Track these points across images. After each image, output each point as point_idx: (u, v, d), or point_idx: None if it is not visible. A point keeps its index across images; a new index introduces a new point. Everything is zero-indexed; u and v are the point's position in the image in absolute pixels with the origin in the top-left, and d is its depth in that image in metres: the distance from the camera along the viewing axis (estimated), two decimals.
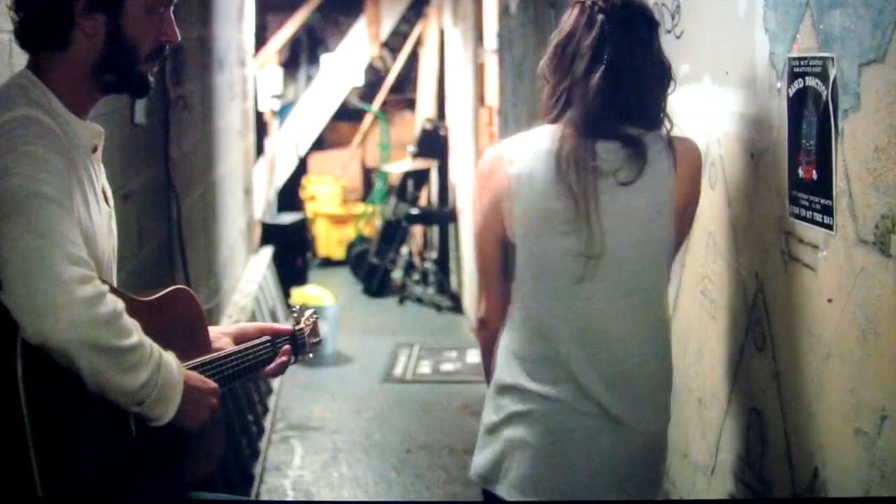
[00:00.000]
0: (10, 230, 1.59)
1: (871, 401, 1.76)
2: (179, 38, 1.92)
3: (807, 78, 1.94)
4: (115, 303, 1.65)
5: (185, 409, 1.77)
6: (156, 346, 1.73)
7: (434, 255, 8.89)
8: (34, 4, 1.77)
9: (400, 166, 9.12)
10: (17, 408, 1.60)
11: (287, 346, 2.24)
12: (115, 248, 1.97)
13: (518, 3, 5.26)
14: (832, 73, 1.84)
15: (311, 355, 2.35)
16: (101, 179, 1.95)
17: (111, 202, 1.99)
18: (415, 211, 8.86)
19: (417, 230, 9.50)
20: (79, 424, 1.70)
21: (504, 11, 5.74)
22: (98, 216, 1.83)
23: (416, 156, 8.96)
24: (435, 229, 9.09)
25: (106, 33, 1.79)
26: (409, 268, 8.94)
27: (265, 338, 2.20)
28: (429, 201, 9.53)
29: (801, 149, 1.98)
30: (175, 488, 1.94)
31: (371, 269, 8.92)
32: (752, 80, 2.23)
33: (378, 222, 9.77)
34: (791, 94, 2.02)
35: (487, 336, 2.33)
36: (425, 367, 6.78)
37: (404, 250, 9.10)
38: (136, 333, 1.68)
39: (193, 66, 5.08)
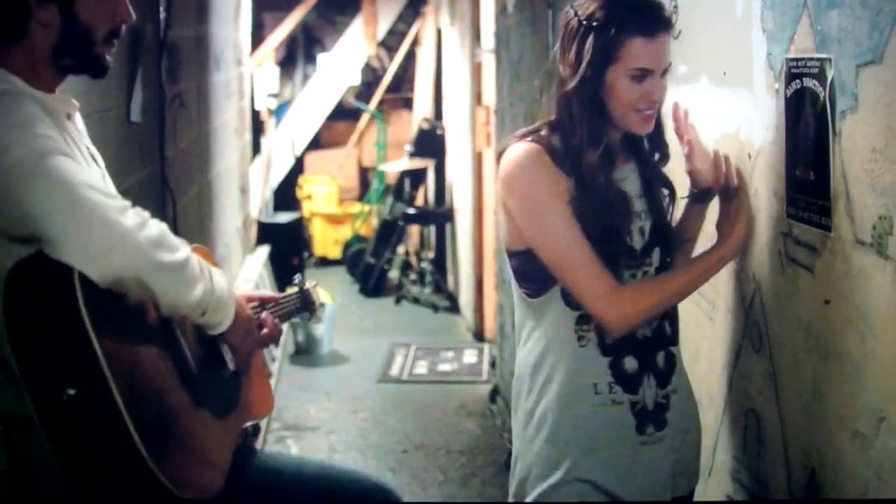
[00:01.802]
0: (39, 194, 1.64)
1: (868, 403, 1.75)
2: (134, 17, 1.94)
3: (804, 79, 1.94)
4: (159, 223, 1.75)
5: (238, 323, 1.94)
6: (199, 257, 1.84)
7: (431, 254, 8.88)
8: None
9: (397, 166, 9.11)
10: (91, 351, 1.65)
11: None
12: None
13: (515, 3, 5.25)
14: (830, 74, 1.84)
15: (319, 318, 2.52)
16: (85, 141, 2.01)
17: (101, 163, 2.05)
18: (411, 210, 8.85)
19: (414, 230, 9.49)
20: (147, 362, 1.79)
21: (501, 11, 5.73)
22: (91, 175, 1.86)
23: (412, 155, 8.95)
24: (432, 229, 9.08)
25: (61, 21, 1.83)
26: (406, 267, 8.93)
27: (291, 291, 2.39)
28: (426, 201, 9.53)
29: (798, 150, 1.98)
30: (235, 424, 2.06)
31: (367, 268, 8.91)
32: (749, 81, 2.23)
33: (375, 222, 9.76)
34: (788, 95, 2.01)
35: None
36: (422, 368, 6.77)
37: (401, 250, 9.10)
38: (184, 247, 1.79)
39: (189, 64, 5.07)
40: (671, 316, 2.23)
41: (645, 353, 2.19)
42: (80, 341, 1.65)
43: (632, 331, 2.15)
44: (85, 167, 1.85)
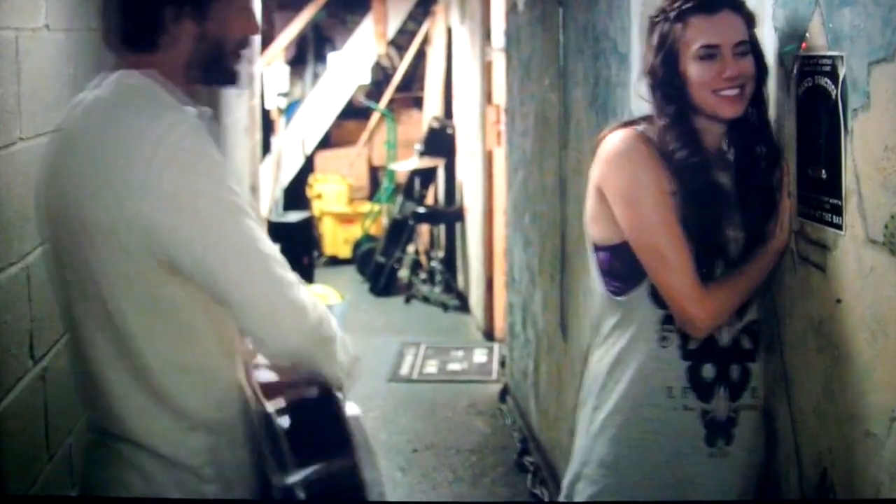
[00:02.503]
0: (230, 257, 1.72)
1: (880, 402, 1.74)
2: (259, 29, 1.99)
3: (816, 77, 1.93)
4: (316, 301, 1.81)
5: None
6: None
7: (441, 254, 8.88)
8: (125, 10, 1.85)
9: (407, 165, 9.11)
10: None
11: None
12: None
13: (526, 1, 5.24)
14: (842, 71, 1.83)
15: None
16: None
17: None
18: (421, 210, 8.85)
19: (424, 229, 9.49)
20: None
21: (512, 9, 5.72)
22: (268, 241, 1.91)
23: (423, 154, 8.95)
24: (442, 228, 9.08)
25: (194, 36, 1.86)
26: (416, 267, 8.93)
27: None
28: (436, 200, 9.52)
29: (810, 148, 1.97)
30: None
31: (377, 267, 8.91)
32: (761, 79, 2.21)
33: (385, 221, 9.76)
34: (800, 93, 2.00)
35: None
36: (431, 367, 6.76)
37: (411, 249, 9.09)
38: (327, 315, 1.84)
39: None
40: (751, 331, 2.19)
41: (722, 362, 2.17)
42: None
43: (713, 332, 2.13)
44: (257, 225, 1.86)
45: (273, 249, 1.78)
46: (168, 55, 1.85)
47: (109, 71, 1.85)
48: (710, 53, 2.08)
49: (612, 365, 2.21)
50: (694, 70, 2.09)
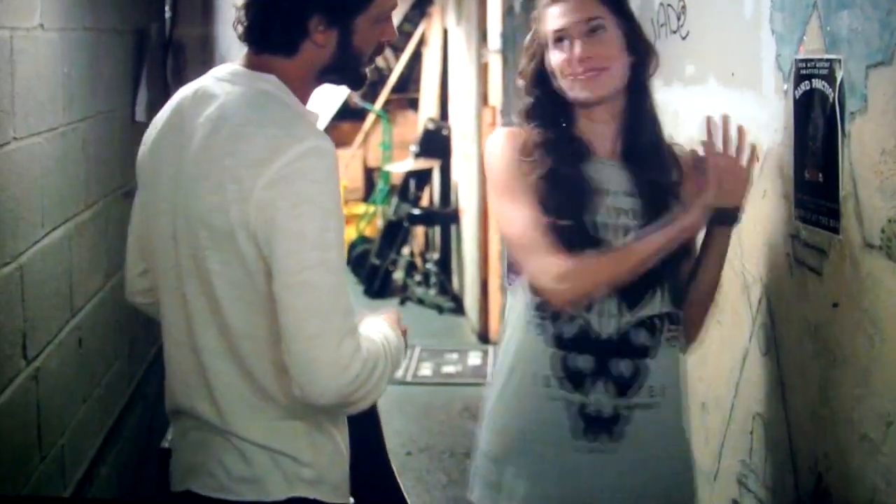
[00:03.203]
0: (305, 287, 1.72)
1: (876, 407, 1.74)
2: (397, 35, 2.02)
3: (813, 80, 1.92)
4: (362, 357, 1.77)
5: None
6: (377, 341, 1.88)
7: (436, 255, 8.88)
8: (269, 13, 1.85)
9: (402, 166, 9.11)
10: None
11: None
12: None
13: (522, 3, 5.24)
14: (839, 75, 1.82)
15: None
16: None
17: None
18: (417, 211, 8.85)
19: (419, 231, 9.48)
20: None
21: (508, 11, 5.73)
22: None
23: (418, 156, 8.95)
24: (437, 230, 9.07)
25: (336, 45, 1.87)
26: (411, 269, 8.92)
27: None
28: (431, 202, 9.52)
29: (807, 151, 1.97)
30: None
31: (372, 269, 8.90)
32: (758, 82, 2.21)
33: (380, 222, 9.76)
34: (797, 96, 2.00)
35: None
36: (426, 369, 6.76)
37: (406, 251, 9.09)
38: (371, 360, 1.80)
39: (195, 64, 5.06)
40: (649, 326, 2.11)
41: (603, 355, 2.11)
42: None
43: (577, 303, 2.08)
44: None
45: (343, 293, 1.78)
46: (305, 60, 1.86)
47: (239, 65, 1.88)
48: (559, 37, 2.12)
49: (501, 356, 2.22)
50: (551, 57, 2.13)
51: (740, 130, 2.08)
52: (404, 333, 2.07)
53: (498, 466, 2.21)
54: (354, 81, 1.98)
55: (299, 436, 1.85)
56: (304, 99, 1.91)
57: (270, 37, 1.85)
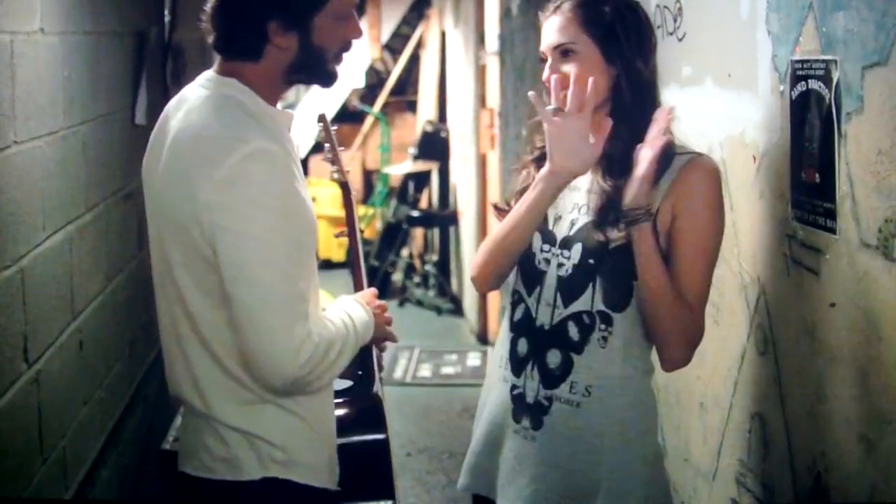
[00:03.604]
0: (250, 282, 1.83)
1: (874, 406, 1.75)
2: (363, 33, 2.04)
3: (810, 81, 1.93)
4: (314, 342, 1.87)
5: (377, 329, 2.19)
6: (341, 319, 2.00)
7: (435, 257, 8.87)
8: (230, 23, 1.96)
9: (401, 168, 9.10)
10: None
11: None
12: None
13: (519, 5, 5.25)
14: (835, 75, 1.83)
15: None
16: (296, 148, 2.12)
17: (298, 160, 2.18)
18: (415, 213, 8.84)
19: (418, 232, 9.48)
20: None
21: (506, 13, 5.73)
22: (307, 192, 1.99)
23: (416, 158, 8.94)
24: (436, 232, 9.07)
25: (298, 45, 1.94)
26: (410, 270, 8.92)
27: None
28: (430, 203, 9.52)
29: (803, 152, 1.97)
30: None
31: (371, 271, 8.90)
32: (754, 83, 2.22)
33: (378, 224, 9.75)
34: (794, 97, 2.01)
35: None
36: (425, 371, 6.76)
37: (405, 253, 9.08)
38: (323, 344, 1.89)
39: (195, 66, 5.07)
40: (580, 322, 2.11)
41: (537, 342, 2.16)
42: None
43: (479, 282, 2.35)
44: (304, 186, 1.97)
45: (291, 285, 1.86)
46: (270, 62, 1.94)
47: (213, 70, 2.00)
48: (542, 58, 2.17)
49: None
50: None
51: (579, 81, 2.06)
52: (382, 310, 2.24)
53: (470, 445, 2.37)
54: (323, 79, 2.03)
55: (270, 419, 1.95)
56: (273, 100, 2.00)
57: (235, 44, 1.96)
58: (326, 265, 9.96)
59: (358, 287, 2.42)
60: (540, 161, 2.19)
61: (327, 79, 2.02)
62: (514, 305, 2.23)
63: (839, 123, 1.82)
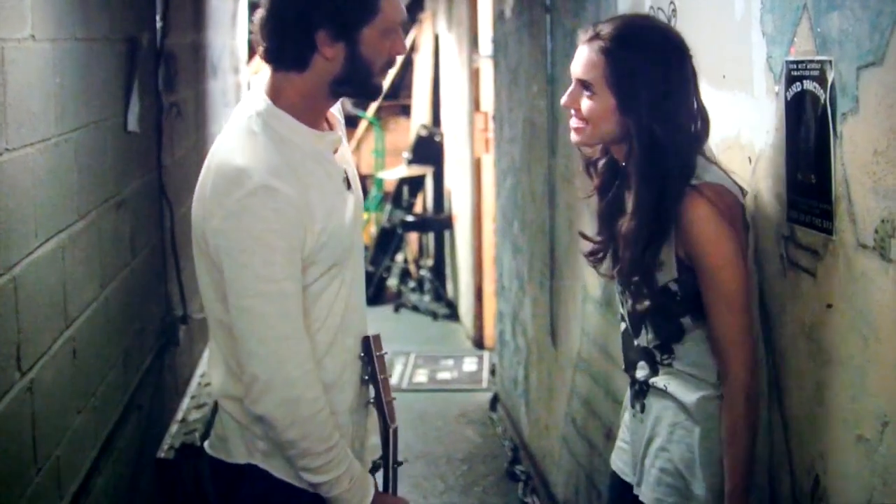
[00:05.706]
0: (261, 322, 1.96)
1: (872, 407, 1.74)
2: (407, 49, 2.10)
3: (805, 81, 1.92)
4: (320, 405, 2.02)
5: None
6: (348, 462, 2.14)
7: (430, 262, 8.87)
8: (279, 31, 2.00)
9: (395, 173, 9.10)
10: None
11: None
12: (362, 230, 2.27)
13: (513, 8, 5.24)
14: (830, 76, 1.83)
15: None
16: (344, 170, 2.16)
17: (356, 187, 2.21)
18: (410, 218, 8.84)
19: (413, 237, 9.48)
20: None
21: (499, 16, 5.73)
22: (342, 208, 2.09)
23: (411, 162, 8.94)
24: (431, 236, 9.07)
25: (345, 57, 1.99)
26: (405, 275, 8.92)
27: None
28: (424, 208, 9.52)
29: (799, 153, 1.97)
30: None
31: (366, 276, 8.87)
32: (749, 84, 2.21)
33: (373, 229, 9.75)
34: (789, 98, 2.00)
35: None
36: (421, 376, 6.75)
37: (400, 257, 9.09)
38: (333, 438, 2.06)
39: (187, 72, 5.06)
40: (648, 355, 2.27)
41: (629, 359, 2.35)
42: None
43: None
44: (337, 202, 2.08)
45: (289, 321, 1.97)
46: (317, 74, 2.00)
47: (260, 86, 2.08)
48: (572, 78, 2.21)
49: None
50: None
51: None
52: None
53: None
54: (368, 93, 2.11)
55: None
56: (316, 119, 2.06)
57: (283, 53, 2.00)
58: None
59: None
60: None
61: (373, 92, 2.09)
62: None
63: (834, 124, 1.82)
